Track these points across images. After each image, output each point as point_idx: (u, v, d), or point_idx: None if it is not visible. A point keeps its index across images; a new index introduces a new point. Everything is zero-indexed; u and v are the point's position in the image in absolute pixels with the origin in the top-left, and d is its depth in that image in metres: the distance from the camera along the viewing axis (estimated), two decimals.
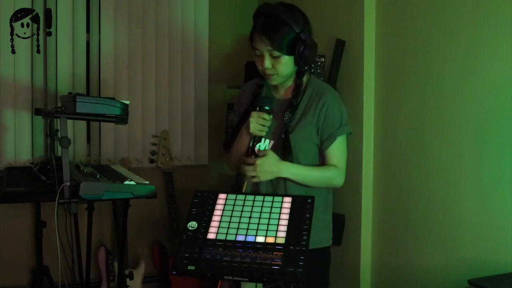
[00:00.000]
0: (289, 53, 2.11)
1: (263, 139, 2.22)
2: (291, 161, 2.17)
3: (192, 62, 3.70)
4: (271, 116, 2.15)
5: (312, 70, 3.07)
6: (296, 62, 2.14)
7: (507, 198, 2.22)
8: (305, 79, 2.24)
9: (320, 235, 2.23)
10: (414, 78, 2.66)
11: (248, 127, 2.15)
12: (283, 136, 2.17)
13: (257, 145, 2.18)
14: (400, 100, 2.74)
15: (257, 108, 2.16)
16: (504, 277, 2.12)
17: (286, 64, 2.13)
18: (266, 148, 2.21)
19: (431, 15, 2.56)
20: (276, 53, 2.10)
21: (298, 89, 2.21)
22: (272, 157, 2.14)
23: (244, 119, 2.24)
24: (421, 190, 2.62)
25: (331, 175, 2.21)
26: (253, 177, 2.14)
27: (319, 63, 3.07)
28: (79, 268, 3.37)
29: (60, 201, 2.18)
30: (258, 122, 2.13)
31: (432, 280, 2.56)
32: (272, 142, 2.23)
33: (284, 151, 2.16)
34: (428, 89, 2.58)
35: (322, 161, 2.24)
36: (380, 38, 2.85)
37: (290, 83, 2.24)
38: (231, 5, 3.85)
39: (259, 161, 2.11)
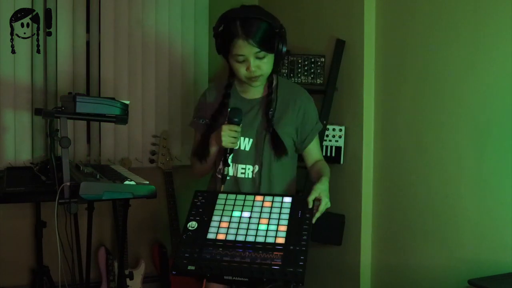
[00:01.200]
0: (272, 51, 2.16)
1: (243, 138, 2.26)
2: (284, 151, 2.23)
3: (192, 62, 3.70)
4: (241, 127, 2.20)
5: (306, 70, 3.07)
6: (275, 59, 2.20)
7: (507, 198, 2.22)
8: (275, 78, 2.30)
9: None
10: (414, 78, 2.66)
11: (219, 140, 2.19)
12: (270, 131, 2.23)
13: (229, 156, 2.22)
14: (400, 100, 2.74)
15: (227, 121, 2.20)
16: (504, 277, 2.12)
17: (270, 63, 2.19)
18: (246, 148, 2.26)
19: (431, 15, 2.56)
20: (262, 54, 2.14)
21: (271, 87, 2.27)
22: (321, 184, 2.11)
23: (213, 126, 2.28)
24: (421, 190, 2.62)
25: (328, 167, 2.30)
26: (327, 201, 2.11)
27: (319, 63, 3.07)
28: (79, 268, 3.37)
29: (60, 201, 2.18)
30: (229, 135, 2.17)
31: (432, 280, 2.56)
32: (251, 140, 2.26)
33: (275, 143, 2.22)
34: (428, 89, 2.58)
35: (305, 157, 2.35)
36: (380, 38, 2.85)
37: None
38: (231, 5, 3.84)
39: (325, 199, 2.04)
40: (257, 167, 2.28)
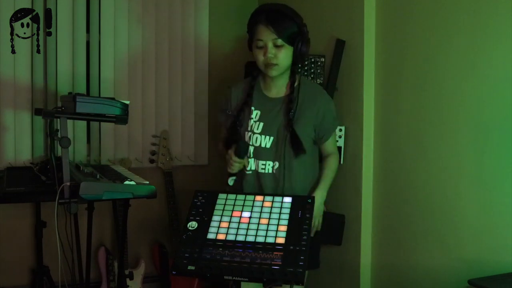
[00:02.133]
0: (290, 44, 2.31)
1: (264, 136, 2.39)
2: (302, 151, 2.36)
3: (192, 62, 3.70)
4: (244, 160, 2.40)
5: (306, 70, 3.07)
6: (294, 56, 2.33)
7: (507, 198, 2.22)
8: (297, 78, 2.42)
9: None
10: (414, 78, 2.66)
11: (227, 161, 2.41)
12: (290, 130, 2.34)
13: (230, 179, 2.43)
14: (400, 100, 2.74)
15: (234, 151, 2.38)
16: (504, 277, 2.12)
17: (287, 54, 2.32)
18: (266, 146, 2.39)
19: (431, 15, 2.56)
20: (280, 42, 2.29)
21: (293, 86, 2.39)
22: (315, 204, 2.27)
23: (237, 118, 2.44)
24: (421, 190, 2.62)
25: (335, 163, 2.55)
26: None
27: (319, 63, 3.07)
28: (79, 268, 3.37)
29: (60, 201, 2.18)
30: (229, 162, 2.38)
31: (432, 280, 2.56)
32: (272, 138, 2.38)
33: (294, 143, 2.33)
34: (428, 89, 2.58)
35: (321, 149, 2.54)
36: (380, 38, 2.85)
37: (283, 82, 2.41)
38: (231, 5, 3.84)
39: (318, 218, 2.47)
40: (277, 164, 2.41)
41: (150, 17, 3.57)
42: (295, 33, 2.30)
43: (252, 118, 2.41)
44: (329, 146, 2.53)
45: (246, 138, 2.42)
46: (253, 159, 2.41)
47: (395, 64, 2.77)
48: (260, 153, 2.40)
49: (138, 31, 3.54)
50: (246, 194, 2.04)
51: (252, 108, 2.41)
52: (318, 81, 3.07)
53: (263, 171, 2.43)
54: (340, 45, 2.98)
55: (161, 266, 3.58)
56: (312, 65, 3.07)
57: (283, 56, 2.31)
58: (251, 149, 2.42)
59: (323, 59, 3.07)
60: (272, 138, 2.37)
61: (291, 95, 2.37)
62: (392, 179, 2.80)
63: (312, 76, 3.07)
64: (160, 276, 3.60)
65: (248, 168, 2.43)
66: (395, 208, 2.78)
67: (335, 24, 3.06)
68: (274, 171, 2.42)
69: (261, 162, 2.41)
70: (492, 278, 2.10)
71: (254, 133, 2.40)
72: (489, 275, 2.15)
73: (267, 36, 2.29)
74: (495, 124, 2.27)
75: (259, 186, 2.43)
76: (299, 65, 2.43)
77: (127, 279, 3.42)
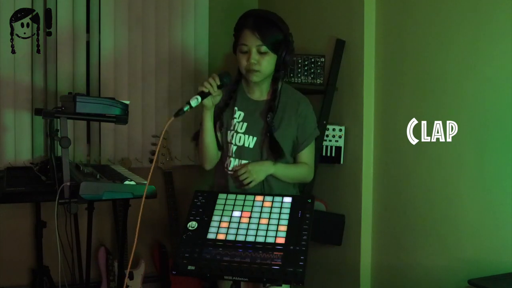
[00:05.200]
0: (274, 51, 2.29)
1: (247, 136, 2.37)
2: (280, 155, 2.33)
3: (192, 62, 3.70)
4: (221, 90, 2.26)
5: (306, 70, 3.07)
6: (277, 64, 2.32)
7: (507, 198, 2.22)
8: (279, 84, 2.39)
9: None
10: (414, 78, 2.66)
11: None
12: (268, 134, 2.33)
13: (193, 98, 2.12)
14: (400, 100, 2.74)
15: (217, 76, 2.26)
16: (504, 277, 2.12)
17: (270, 62, 2.30)
18: (250, 145, 2.36)
19: (431, 15, 2.56)
20: (264, 49, 2.27)
21: (275, 93, 2.37)
22: (255, 161, 2.34)
23: (215, 121, 2.38)
24: (421, 190, 2.62)
25: (306, 172, 2.44)
26: (251, 181, 2.31)
27: (319, 63, 3.07)
28: (79, 268, 3.38)
29: (60, 201, 2.18)
30: (209, 81, 2.21)
31: (432, 280, 2.56)
32: (255, 138, 2.36)
33: (272, 147, 2.32)
34: (428, 89, 2.58)
35: (296, 159, 2.44)
36: (380, 38, 2.85)
37: (265, 86, 2.40)
38: (231, 5, 3.84)
39: (250, 166, 2.32)
40: None
41: (150, 17, 3.57)
42: (280, 41, 2.28)
43: (236, 118, 2.39)
44: (304, 155, 2.42)
45: (229, 137, 2.38)
46: (235, 158, 2.37)
47: (395, 64, 2.77)
48: (243, 152, 2.37)
49: (138, 31, 3.54)
50: (246, 194, 2.04)
51: (235, 108, 2.39)
52: (318, 81, 3.07)
53: None
54: (340, 45, 2.98)
55: (161, 266, 3.58)
56: (312, 65, 3.07)
57: (266, 63, 2.29)
58: (233, 148, 2.37)
59: (323, 59, 3.07)
60: (255, 138, 2.36)
61: (272, 101, 2.36)
62: (392, 179, 2.80)
63: (312, 76, 3.07)
64: (160, 276, 3.60)
65: (230, 168, 2.38)
66: (395, 208, 2.78)
67: (335, 24, 3.06)
68: None
69: (244, 162, 2.37)
70: (492, 278, 2.11)
71: (237, 132, 2.38)
72: (489, 275, 2.15)
73: (252, 42, 2.27)
74: (495, 124, 2.27)
75: (240, 185, 2.36)
76: (282, 72, 2.37)
77: (127, 279, 3.41)
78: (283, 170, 2.37)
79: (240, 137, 2.38)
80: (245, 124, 2.38)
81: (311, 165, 2.44)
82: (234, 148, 2.38)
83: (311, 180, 2.54)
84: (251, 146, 2.36)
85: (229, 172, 2.39)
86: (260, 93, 2.41)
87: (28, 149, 3.34)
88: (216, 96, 2.25)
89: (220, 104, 2.40)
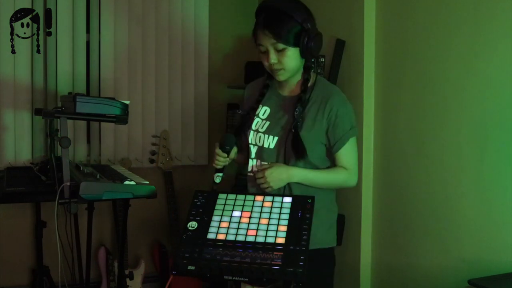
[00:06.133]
0: (293, 45, 2.09)
1: (267, 136, 2.21)
2: (303, 154, 2.13)
3: (192, 62, 3.70)
4: (229, 157, 2.20)
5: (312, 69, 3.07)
6: (302, 54, 2.12)
7: (507, 198, 2.22)
8: (313, 77, 2.22)
9: (325, 235, 2.22)
10: (414, 78, 2.66)
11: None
12: (293, 130, 2.13)
13: (216, 175, 2.22)
14: (400, 100, 2.74)
15: (219, 145, 2.21)
16: (504, 277, 2.12)
17: (291, 57, 2.11)
18: (270, 146, 2.20)
19: (431, 15, 2.56)
20: (281, 46, 2.08)
21: (306, 84, 2.18)
22: (279, 165, 2.15)
23: (246, 117, 2.27)
24: (421, 190, 2.62)
25: (342, 177, 2.20)
26: (267, 188, 2.14)
27: (319, 63, 3.07)
28: (79, 268, 3.38)
29: (60, 201, 2.18)
30: (214, 158, 2.20)
31: (432, 280, 2.56)
32: (276, 138, 2.20)
33: (295, 144, 2.13)
34: (428, 89, 2.58)
35: (333, 162, 2.21)
36: (380, 38, 2.85)
37: (297, 79, 2.22)
38: (231, 5, 3.85)
39: (267, 172, 2.12)
40: None
41: (150, 17, 3.57)
42: (297, 32, 2.07)
43: (259, 116, 2.24)
44: (341, 158, 2.17)
45: (250, 137, 2.24)
46: (255, 159, 2.24)
47: (395, 64, 2.77)
48: (263, 153, 2.21)
49: (138, 31, 3.55)
50: (246, 194, 2.04)
51: (260, 105, 2.24)
52: None
53: None
54: (340, 45, 2.98)
55: (161, 266, 3.58)
56: (312, 65, 3.07)
57: (288, 60, 2.10)
58: (254, 149, 2.24)
59: (323, 59, 3.07)
60: (276, 138, 2.19)
61: (301, 94, 2.17)
62: (392, 179, 2.80)
63: None
64: (160, 276, 3.60)
65: (249, 170, 2.26)
66: (395, 208, 2.78)
67: (335, 24, 3.06)
68: None
69: (263, 163, 2.21)
70: (492, 278, 2.10)
71: (258, 132, 2.23)
72: (489, 275, 2.15)
73: (266, 41, 2.09)
74: (495, 124, 2.27)
75: (259, 189, 2.22)
76: (313, 60, 2.18)
77: (127, 279, 3.42)
78: (310, 178, 2.15)
79: (261, 136, 2.22)
80: (267, 122, 2.22)
81: (351, 168, 2.19)
82: (255, 148, 2.24)
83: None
84: (272, 146, 2.20)
85: (249, 174, 2.26)
86: (291, 89, 2.23)
87: (28, 149, 3.34)
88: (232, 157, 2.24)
89: (250, 103, 2.29)
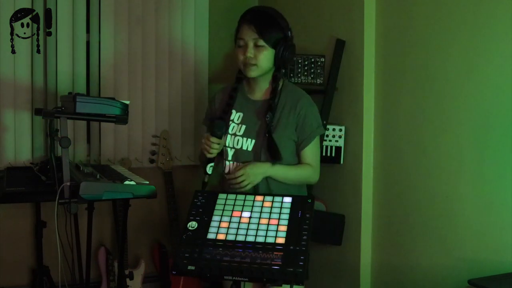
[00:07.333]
0: (272, 46, 2.25)
1: (246, 138, 2.33)
2: (278, 157, 2.26)
3: (192, 62, 3.70)
4: (223, 140, 2.29)
5: (306, 70, 3.07)
6: (275, 59, 2.27)
7: (507, 198, 2.22)
8: (280, 82, 2.35)
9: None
10: (414, 78, 2.66)
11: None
12: (266, 135, 2.27)
13: (208, 166, 2.30)
14: (400, 100, 2.74)
15: (210, 131, 2.28)
16: (504, 277, 2.12)
17: (267, 57, 2.25)
18: (248, 148, 2.32)
19: (431, 15, 2.56)
20: (261, 42, 2.23)
21: (275, 91, 2.32)
22: (254, 163, 2.29)
23: (224, 115, 2.36)
24: (421, 190, 2.62)
25: (308, 173, 2.35)
26: (247, 184, 2.27)
27: (319, 63, 3.07)
28: (79, 268, 3.38)
29: (60, 201, 2.17)
30: (206, 144, 2.27)
31: (432, 280, 2.56)
32: (253, 141, 2.32)
33: (270, 148, 2.27)
34: (428, 89, 2.58)
35: (298, 159, 2.36)
36: (380, 38, 2.85)
37: (265, 85, 2.35)
38: (231, 5, 3.84)
39: (247, 169, 2.26)
40: None
41: (150, 17, 3.57)
42: (278, 36, 2.24)
43: (233, 120, 2.36)
44: (307, 155, 2.33)
45: (227, 141, 2.35)
46: (232, 161, 2.35)
47: (395, 64, 2.77)
48: (241, 155, 2.33)
49: (138, 31, 3.54)
50: (246, 194, 2.04)
51: (233, 110, 2.36)
52: (318, 81, 3.07)
53: None
54: (340, 45, 2.99)
55: (161, 266, 3.58)
56: (312, 65, 3.07)
57: (263, 58, 2.24)
58: (231, 151, 2.35)
59: (323, 59, 3.07)
60: (253, 141, 2.31)
61: (271, 100, 2.30)
62: (392, 179, 2.80)
63: (312, 76, 3.07)
64: (160, 276, 3.60)
65: (226, 171, 2.36)
66: (395, 208, 2.78)
67: (335, 24, 3.06)
68: None
69: (240, 164, 2.33)
70: (492, 278, 2.11)
71: (236, 135, 2.34)
72: (489, 275, 2.15)
73: (249, 35, 2.24)
74: (495, 124, 2.27)
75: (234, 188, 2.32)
76: (283, 70, 2.32)
77: (127, 279, 3.42)
78: (282, 173, 2.30)
79: (239, 139, 2.35)
80: (244, 126, 2.35)
81: (314, 165, 2.35)
82: (232, 151, 2.36)
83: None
84: (249, 149, 2.33)
85: (226, 175, 2.35)
86: (260, 93, 2.37)
87: (28, 149, 3.34)
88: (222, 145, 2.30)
89: (220, 108, 2.39)
